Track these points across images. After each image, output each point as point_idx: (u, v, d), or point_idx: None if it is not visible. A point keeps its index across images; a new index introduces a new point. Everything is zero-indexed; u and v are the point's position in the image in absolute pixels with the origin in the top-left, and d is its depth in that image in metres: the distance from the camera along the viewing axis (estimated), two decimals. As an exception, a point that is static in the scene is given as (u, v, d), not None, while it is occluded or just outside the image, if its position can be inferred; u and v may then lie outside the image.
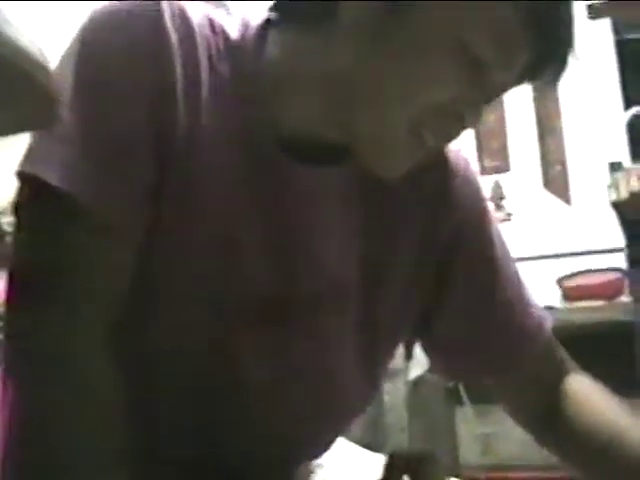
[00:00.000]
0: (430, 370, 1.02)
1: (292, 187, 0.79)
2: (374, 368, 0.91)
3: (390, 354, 0.94)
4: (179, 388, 0.79)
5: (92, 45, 0.72)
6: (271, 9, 0.80)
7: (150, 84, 0.72)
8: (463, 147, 0.95)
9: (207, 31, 0.76)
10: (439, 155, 0.88)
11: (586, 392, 0.98)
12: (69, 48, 0.74)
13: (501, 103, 3.64)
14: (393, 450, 0.79)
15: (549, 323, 0.98)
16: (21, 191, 0.73)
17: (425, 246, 0.89)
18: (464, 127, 0.77)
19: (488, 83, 0.75)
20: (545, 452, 1.00)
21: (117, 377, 0.71)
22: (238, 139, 0.77)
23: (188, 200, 0.74)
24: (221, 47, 0.77)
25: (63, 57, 0.73)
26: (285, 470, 0.92)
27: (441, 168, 0.90)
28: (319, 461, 1.03)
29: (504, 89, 0.78)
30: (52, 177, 0.69)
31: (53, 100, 0.62)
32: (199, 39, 0.75)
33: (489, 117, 3.66)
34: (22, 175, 0.72)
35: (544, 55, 0.75)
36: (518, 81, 0.77)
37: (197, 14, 0.76)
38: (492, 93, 0.78)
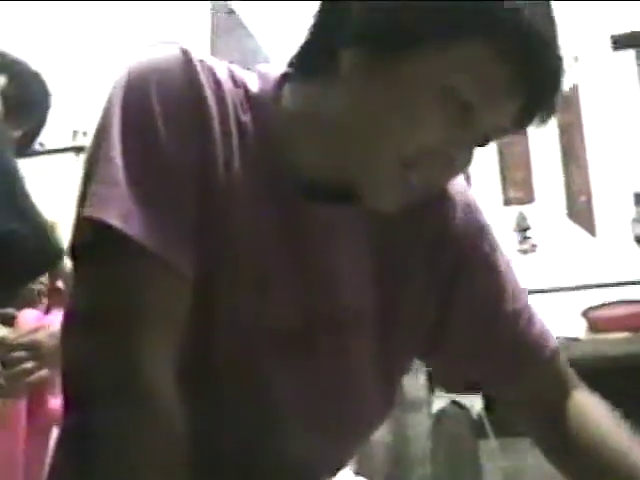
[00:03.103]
0: (436, 381, 1.04)
1: (312, 224, 0.87)
2: (391, 384, 0.97)
3: (404, 370, 1.00)
4: (217, 409, 0.85)
5: (137, 95, 0.78)
6: (288, 64, 0.87)
7: (193, 134, 0.79)
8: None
9: (230, 84, 0.84)
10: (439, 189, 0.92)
11: (590, 410, 0.99)
12: (111, 99, 0.79)
13: (525, 134, 3.64)
14: None
15: (553, 340, 1.01)
16: (79, 233, 0.78)
17: (432, 270, 0.95)
18: (457, 169, 0.83)
19: (478, 127, 0.79)
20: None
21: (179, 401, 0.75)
22: (263, 183, 0.84)
23: (222, 240, 0.81)
24: (242, 99, 0.85)
25: (105, 108, 0.79)
26: None
27: (441, 199, 0.95)
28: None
29: (500, 133, 0.83)
30: (118, 222, 0.74)
31: None
32: (226, 92, 0.82)
33: (514, 148, 3.66)
34: (86, 219, 0.76)
35: (533, 103, 0.79)
36: (515, 126, 0.81)
37: (221, 69, 0.84)
38: (485, 137, 0.82)
